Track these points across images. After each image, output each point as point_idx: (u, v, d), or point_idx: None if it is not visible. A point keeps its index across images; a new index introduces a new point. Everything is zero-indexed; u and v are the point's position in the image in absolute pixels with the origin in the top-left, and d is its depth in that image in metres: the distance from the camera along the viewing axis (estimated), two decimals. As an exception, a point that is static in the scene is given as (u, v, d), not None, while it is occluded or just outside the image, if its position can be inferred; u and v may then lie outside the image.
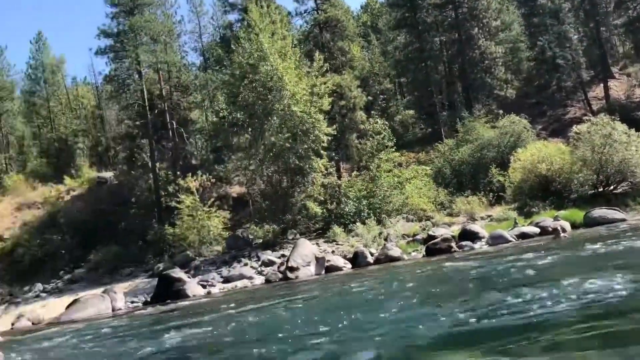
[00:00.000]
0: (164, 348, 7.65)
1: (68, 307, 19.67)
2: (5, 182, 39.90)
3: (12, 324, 19.96)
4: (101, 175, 37.70)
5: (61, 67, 52.82)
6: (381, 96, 41.96)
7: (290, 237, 25.88)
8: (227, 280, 21.16)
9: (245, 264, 22.88)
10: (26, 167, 44.87)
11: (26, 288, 27.78)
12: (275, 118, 26.36)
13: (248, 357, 6.24)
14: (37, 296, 26.17)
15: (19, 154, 47.78)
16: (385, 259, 20.09)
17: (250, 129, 27.36)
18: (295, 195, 27.05)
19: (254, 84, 26.58)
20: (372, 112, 35.33)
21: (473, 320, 6.62)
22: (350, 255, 21.40)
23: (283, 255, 22.60)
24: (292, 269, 19.48)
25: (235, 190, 34.17)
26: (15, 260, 31.20)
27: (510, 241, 19.60)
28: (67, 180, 37.02)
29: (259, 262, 22.69)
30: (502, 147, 28.90)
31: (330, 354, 6.02)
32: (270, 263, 22.15)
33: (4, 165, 43.46)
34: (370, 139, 29.22)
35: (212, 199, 28.50)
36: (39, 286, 27.52)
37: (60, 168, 40.35)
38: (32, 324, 19.82)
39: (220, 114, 29.93)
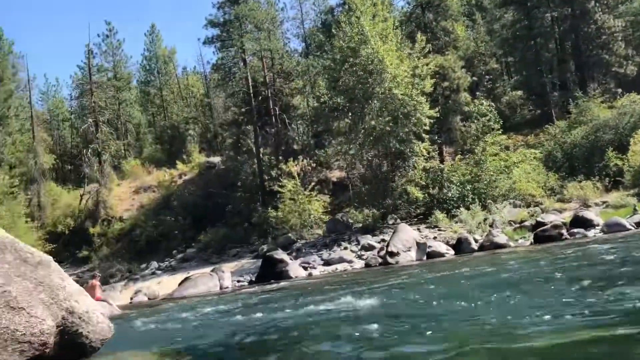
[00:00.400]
0: (275, 323, 7.68)
1: (180, 284, 20.75)
2: (124, 167, 42.93)
3: (131, 299, 21.39)
4: (210, 160, 39.40)
5: (172, 57, 55.75)
6: (487, 77, 40.38)
7: (390, 222, 25.71)
8: (327, 263, 21.41)
9: (345, 248, 23.03)
10: (142, 153, 47.94)
11: (143, 266, 29.81)
12: (375, 101, 26.17)
13: (364, 334, 6.03)
14: (153, 273, 27.95)
15: (136, 140, 51.11)
16: (490, 245, 19.40)
17: (350, 113, 27.38)
18: (396, 180, 26.79)
19: (354, 68, 26.52)
20: (477, 93, 34.16)
21: (607, 312, 5.98)
22: (453, 242, 20.87)
23: (383, 240, 22.49)
24: (392, 254, 19.32)
25: (335, 174, 34.46)
26: (133, 240, 33.56)
27: (629, 229, 18.17)
28: (179, 165, 39.07)
29: (359, 246, 22.75)
30: (621, 129, 26.86)
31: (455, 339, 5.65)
32: (369, 247, 22.13)
33: (123, 151, 46.63)
34: (475, 121, 28.21)
35: (313, 183, 28.95)
36: (155, 264, 29.42)
37: (173, 153, 42.66)
38: (148, 299, 21.15)
39: (321, 99, 30.21)
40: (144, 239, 33.16)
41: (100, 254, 33.40)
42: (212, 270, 21.86)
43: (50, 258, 4.98)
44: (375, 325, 6.26)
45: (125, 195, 39.09)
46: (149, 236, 33.12)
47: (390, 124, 25.70)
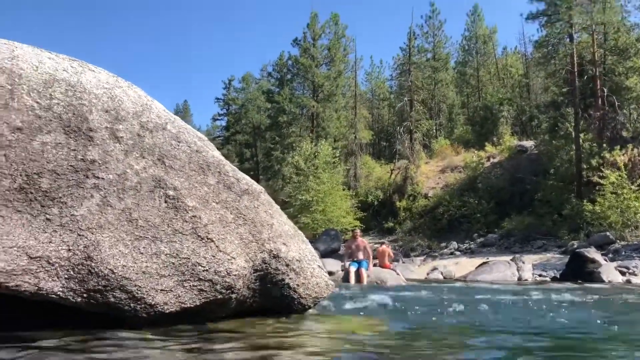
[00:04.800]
0: (585, 326, 6.17)
1: (476, 268, 20.04)
2: (433, 146, 43.71)
3: (427, 274, 21.55)
4: (521, 144, 37.27)
5: (493, 37, 54.23)
6: None
7: None
8: (653, 270, 18.02)
9: (681, 256, 19.10)
10: (453, 133, 48.06)
11: (443, 244, 29.91)
12: None
13: None
14: (452, 253, 27.79)
15: (448, 121, 51.50)
16: None
17: None
18: None
19: None
20: None
21: None
22: None
23: None
24: None
25: (674, 169, 28.93)
26: (435, 218, 33.93)
27: None
28: (488, 147, 37.93)
29: (701, 256, 18.59)
30: None
31: None
32: None
33: (434, 130, 47.49)
34: None
35: (644, 177, 24.80)
36: (454, 244, 29.23)
37: (483, 135, 41.68)
38: (444, 277, 20.96)
39: (665, 79, 25.51)
40: (446, 218, 33.24)
41: (404, 227, 34.73)
42: (511, 259, 20.56)
43: (261, 189, 4.25)
44: None
45: (432, 173, 39.77)
46: (451, 216, 33.06)
47: None
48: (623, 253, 21.20)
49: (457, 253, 27.81)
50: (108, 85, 3.74)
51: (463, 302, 6.93)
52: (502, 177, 34.06)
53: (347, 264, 13.23)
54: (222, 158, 4.17)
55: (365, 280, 12.41)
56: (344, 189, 36.13)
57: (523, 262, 20.08)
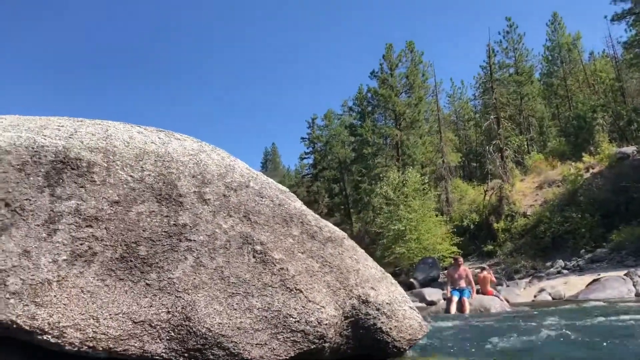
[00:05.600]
0: None
1: (587, 286, 18.90)
2: (526, 162, 42.12)
3: (534, 297, 20.55)
4: (621, 151, 35.03)
5: (577, 44, 52.09)
6: None
7: None
8: None
9: None
10: (546, 146, 46.14)
11: (548, 264, 28.46)
12: None
13: None
14: (559, 272, 26.38)
15: (539, 134, 49.59)
16: None
17: None
18: None
19: None
20: None
21: None
22: None
23: None
24: None
25: None
26: (537, 236, 32.39)
27: None
28: (586, 157, 36.02)
29: None
30: None
31: None
32: None
33: (526, 146, 45.84)
34: None
35: None
36: (560, 263, 27.74)
37: (579, 145, 39.65)
38: (552, 298, 19.89)
39: None
40: (549, 235, 31.63)
41: (504, 249, 33.42)
42: (625, 274, 19.20)
43: (344, 235, 4.26)
44: None
45: (529, 191, 38.19)
46: (554, 233, 31.41)
47: None
48: None
49: (565, 271, 26.38)
50: (193, 152, 4.01)
51: (591, 333, 6.21)
52: (605, 188, 32.09)
53: (449, 292, 12.96)
54: (304, 208, 4.26)
55: (467, 310, 12.07)
56: (437, 215, 35.47)
57: (639, 276, 18.73)
